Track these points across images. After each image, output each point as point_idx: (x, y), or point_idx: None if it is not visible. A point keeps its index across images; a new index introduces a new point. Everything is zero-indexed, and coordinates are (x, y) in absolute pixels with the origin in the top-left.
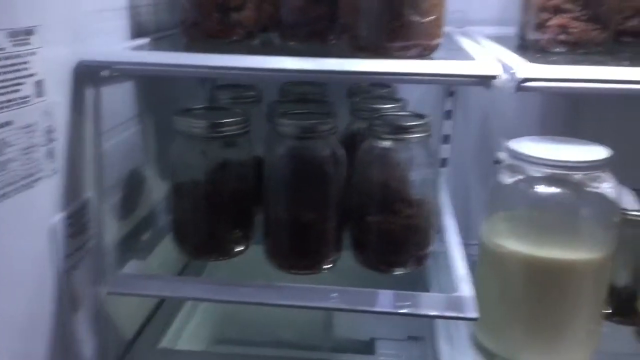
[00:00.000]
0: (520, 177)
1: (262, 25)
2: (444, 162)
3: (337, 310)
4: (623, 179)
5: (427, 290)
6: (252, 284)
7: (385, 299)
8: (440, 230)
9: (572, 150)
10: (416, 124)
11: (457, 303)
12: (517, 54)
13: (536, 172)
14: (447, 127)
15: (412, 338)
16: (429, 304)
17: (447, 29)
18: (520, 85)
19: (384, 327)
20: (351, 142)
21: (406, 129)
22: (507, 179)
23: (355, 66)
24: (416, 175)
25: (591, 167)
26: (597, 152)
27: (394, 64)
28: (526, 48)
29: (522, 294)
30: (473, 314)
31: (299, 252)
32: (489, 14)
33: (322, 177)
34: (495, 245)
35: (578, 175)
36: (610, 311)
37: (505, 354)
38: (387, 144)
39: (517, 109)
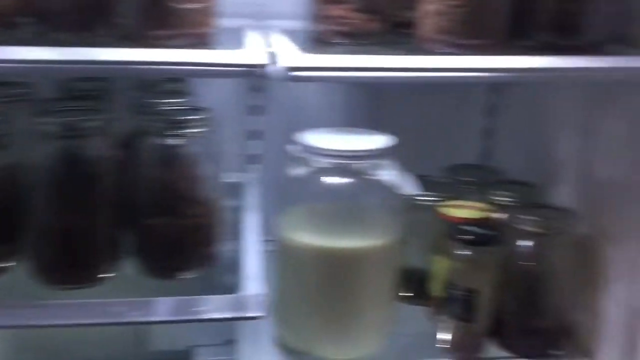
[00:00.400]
0: (309, 169)
1: (27, 13)
2: (253, 159)
3: (106, 325)
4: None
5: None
6: (6, 305)
7: (164, 307)
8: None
9: (358, 140)
10: (193, 119)
11: (243, 303)
12: (305, 46)
13: (321, 163)
14: (254, 123)
15: (229, 342)
16: (213, 307)
17: (242, 22)
18: (290, 75)
19: (202, 334)
20: (134, 140)
21: (183, 124)
22: (298, 171)
23: (100, 55)
24: (198, 173)
25: (372, 156)
26: (380, 141)
27: (147, 53)
28: (314, 40)
29: (317, 286)
30: (258, 312)
31: (69, 264)
32: (287, 8)
33: (89, 180)
34: (289, 239)
35: (359, 164)
36: (408, 294)
37: (304, 348)
38: (163, 140)
39: (324, 102)
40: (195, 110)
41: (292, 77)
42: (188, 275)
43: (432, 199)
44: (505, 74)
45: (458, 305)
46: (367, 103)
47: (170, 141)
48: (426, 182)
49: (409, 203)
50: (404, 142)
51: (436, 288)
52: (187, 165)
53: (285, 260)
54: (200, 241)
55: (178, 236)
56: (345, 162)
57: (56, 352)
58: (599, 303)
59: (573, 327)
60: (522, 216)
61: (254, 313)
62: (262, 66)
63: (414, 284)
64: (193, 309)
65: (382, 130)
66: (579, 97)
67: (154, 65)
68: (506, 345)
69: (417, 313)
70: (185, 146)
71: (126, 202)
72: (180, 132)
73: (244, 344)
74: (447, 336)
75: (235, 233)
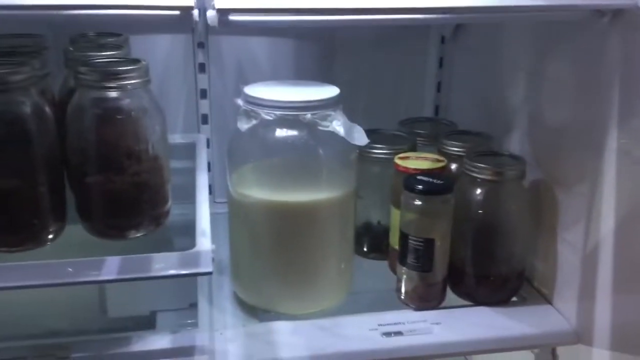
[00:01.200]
0: (255, 122)
1: None
2: (204, 119)
3: (46, 287)
4: (377, 120)
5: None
6: None
7: (110, 266)
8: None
9: (306, 91)
10: (127, 70)
11: (192, 259)
12: None
13: (268, 115)
14: (203, 81)
15: (193, 305)
16: (162, 264)
17: None
18: (222, 19)
19: (166, 298)
20: (69, 95)
21: (116, 75)
22: (244, 125)
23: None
24: (139, 127)
25: (320, 107)
26: (329, 92)
27: None
28: None
29: (272, 243)
30: (207, 268)
31: (9, 227)
32: None
33: (21, 136)
34: (241, 196)
35: (308, 115)
36: (367, 248)
37: (264, 305)
38: (99, 93)
39: (271, 58)
40: (132, 61)
41: (224, 20)
42: (136, 234)
43: (387, 151)
44: (445, 15)
45: (415, 255)
46: (319, 57)
47: (106, 93)
48: (380, 135)
49: (363, 156)
50: (357, 96)
51: (394, 240)
52: (126, 120)
53: (238, 218)
54: (147, 199)
55: (121, 194)
56: (293, 113)
57: (18, 324)
58: (554, 248)
59: (530, 273)
60: (474, 164)
61: (205, 269)
62: (188, 8)
63: (372, 238)
64: (141, 267)
65: (334, 84)
66: (527, 43)
67: (70, 10)
68: (464, 293)
69: (377, 266)
70: (122, 99)
71: (67, 160)
72: (116, 83)
73: (203, 305)
74: (406, 287)
75: (186, 197)
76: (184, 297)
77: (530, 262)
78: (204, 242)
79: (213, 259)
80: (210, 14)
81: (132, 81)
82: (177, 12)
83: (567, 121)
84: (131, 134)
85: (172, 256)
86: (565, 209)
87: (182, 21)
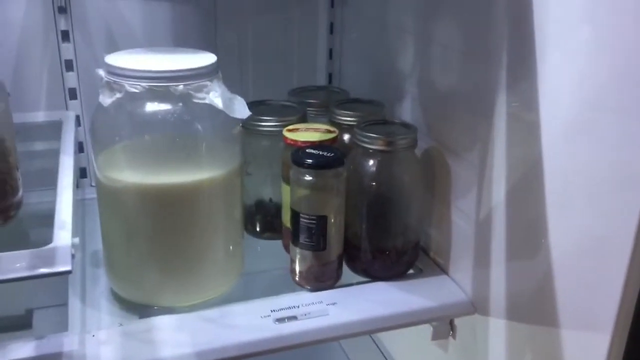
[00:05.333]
0: (120, 95)
1: None
2: (72, 94)
3: None
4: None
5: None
6: None
7: None
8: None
9: (177, 59)
10: None
11: (48, 257)
12: None
13: (134, 87)
14: (67, 51)
15: None
16: (12, 264)
17: None
18: None
19: (41, 295)
20: None
21: None
22: (107, 99)
23: None
24: None
25: (194, 76)
26: (205, 60)
27: None
28: None
29: (148, 231)
30: (65, 266)
31: None
32: None
33: None
34: (110, 180)
35: (180, 87)
36: (259, 228)
37: (142, 300)
38: None
39: (145, 24)
40: None
41: None
42: None
43: (275, 123)
44: None
45: (307, 234)
46: (199, 22)
47: None
48: (268, 107)
49: (250, 130)
50: (244, 65)
51: (286, 218)
52: None
53: (109, 205)
54: None
55: None
56: (162, 84)
57: None
58: (447, 218)
59: (426, 244)
60: (364, 134)
61: (62, 267)
62: None
63: (265, 217)
64: None
65: (218, 53)
66: (414, 6)
67: None
68: (361, 269)
69: (272, 246)
70: None
71: None
72: None
73: (75, 303)
74: (300, 267)
75: (51, 181)
76: (61, 293)
77: (425, 232)
78: (63, 235)
79: (73, 255)
80: None
81: None
82: None
83: (457, 86)
84: None
85: (24, 254)
86: (457, 177)
87: None
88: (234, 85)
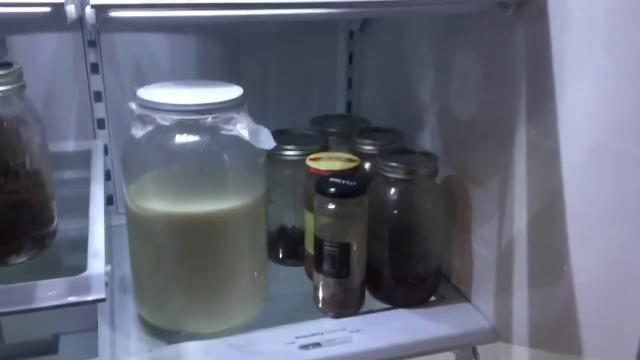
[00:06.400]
0: (151, 128)
1: None
2: (101, 124)
3: None
4: (287, 119)
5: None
6: None
7: None
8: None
9: (205, 92)
10: None
11: (84, 285)
12: None
13: (164, 120)
14: (96, 82)
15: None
16: (48, 292)
17: None
18: (101, 16)
19: (68, 319)
20: None
21: None
22: (139, 132)
23: None
24: (14, 139)
25: (222, 109)
26: (232, 93)
27: None
28: None
29: (176, 258)
30: (99, 294)
31: None
32: None
33: None
34: (140, 208)
35: (209, 119)
36: (282, 255)
37: (170, 326)
38: None
39: (171, 57)
40: (2, 66)
41: (103, 18)
42: (17, 259)
43: (298, 152)
44: (346, 10)
45: (330, 261)
46: (222, 55)
47: None
48: (291, 136)
49: (273, 158)
50: (266, 95)
51: (309, 245)
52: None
53: (138, 233)
54: (28, 220)
55: None
56: (192, 117)
57: None
58: (469, 245)
59: (447, 271)
60: (386, 163)
61: (96, 295)
62: (59, 5)
63: (288, 243)
64: (23, 297)
65: (241, 84)
66: (433, 37)
67: None
68: (383, 296)
69: (294, 273)
70: None
71: None
72: None
73: (104, 329)
74: (323, 294)
75: (84, 209)
76: (88, 318)
77: (447, 260)
78: (97, 264)
79: (106, 283)
80: (88, 10)
81: (3, 88)
82: (47, 9)
83: (476, 115)
84: (6, 147)
85: (60, 282)
86: (477, 204)
87: (55, 18)
88: (256, 114)
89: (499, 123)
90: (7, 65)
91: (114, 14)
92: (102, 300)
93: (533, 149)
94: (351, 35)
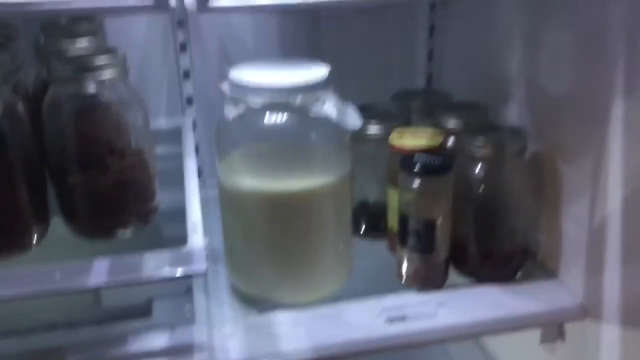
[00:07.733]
0: (242, 108)
1: None
2: (189, 101)
3: (34, 297)
4: (368, 94)
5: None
6: None
7: (100, 270)
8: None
9: (295, 72)
10: (104, 62)
11: (186, 258)
12: None
13: (255, 101)
14: (185, 61)
15: (190, 290)
16: (153, 264)
17: None
18: (202, 6)
19: (162, 285)
20: (43, 91)
21: (92, 69)
22: (232, 112)
23: None
24: (120, 121)
25: (310, 89)
26: (318, 72)
27: None
28: None
29: (266, 231)
30: (201, 268)
31: None
32: None
33: None
34: (232, 185)
35: (298, 99)
36: (364, 229)
37: (260, 294)
38: (73, 88)
39: (255, 34)
40: (108, 51)
41: (203, 7)
42: (126, 233)
43: (380, 129)
44: None
45: (415, 237)
46: (304, 31)
47: (82, 88)
48: (372, 112)
49: (355, 135)
50: (346, 68)
51: (392, 221)
52: (105, 114)
53: (230, 207)
54: (133, 196)
55: (106, 193)
56: (282, 98)
57: (9, 318)
58: (558, 223)
59: (534, 248)
60: (472, 140)
61: (198, 269)
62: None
63: (369, 218)
64: (132, 268)
65: (321, 59)
66: (523, 8)
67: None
68: (468, 271)
69: (375, 247)
70: (100, 93)
71: (46, 158)
72: (92, 77)
73: (199, 297)
74: (407, 269)
75: (176, 182)
76: (180, 283)
77: (533, 237)
78: (196, 238)
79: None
80: (188, 0)
81: (110, 73)
82: (151, 2)
83: (569, 90)
84: (112, 129)
85: (164, 256)
86: (568, 182)
87: (157, 9)
88: (336, 89)
89: (594, 98)
90: (112, 51)
91: (214, 3)
92: (204, 274)
93: (630, 126)
94: (433, 6)
